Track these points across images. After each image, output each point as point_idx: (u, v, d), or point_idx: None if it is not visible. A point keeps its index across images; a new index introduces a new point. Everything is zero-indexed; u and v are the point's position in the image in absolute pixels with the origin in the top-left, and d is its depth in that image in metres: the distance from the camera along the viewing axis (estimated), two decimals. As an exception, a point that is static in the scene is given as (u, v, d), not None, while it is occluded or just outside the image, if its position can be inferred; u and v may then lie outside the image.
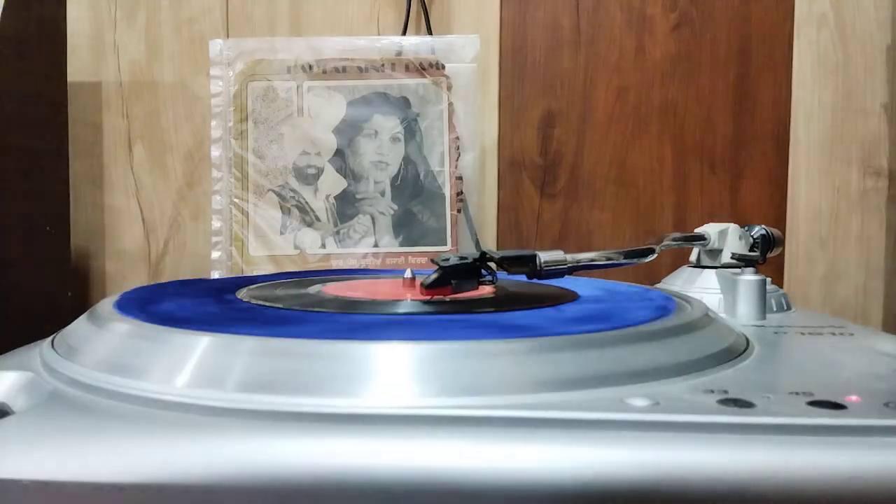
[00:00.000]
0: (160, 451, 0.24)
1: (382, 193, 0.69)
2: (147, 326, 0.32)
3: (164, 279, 0.83)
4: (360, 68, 0.69)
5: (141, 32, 0.81)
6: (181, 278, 0.81)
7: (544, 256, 0.41)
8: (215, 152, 0.70)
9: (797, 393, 0.28)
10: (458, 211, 0.69)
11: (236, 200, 0.68)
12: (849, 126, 0.79)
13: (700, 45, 0.80)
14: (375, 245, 0.68)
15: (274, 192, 0.68)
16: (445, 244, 0.69)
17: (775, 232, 0.56)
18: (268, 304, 0.40)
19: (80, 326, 0.36)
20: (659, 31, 0.80)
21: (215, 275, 0.68)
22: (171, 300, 0.42)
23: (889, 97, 0.79)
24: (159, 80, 0.82)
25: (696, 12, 0.80)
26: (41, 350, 0.35)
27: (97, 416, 0.26)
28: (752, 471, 0.23)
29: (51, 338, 0.37)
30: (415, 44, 0.72)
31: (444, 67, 0.70)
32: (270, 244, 0.68)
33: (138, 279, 0.83)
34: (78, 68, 0.80)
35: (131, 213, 0.82)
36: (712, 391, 0.28)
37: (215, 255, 0.69)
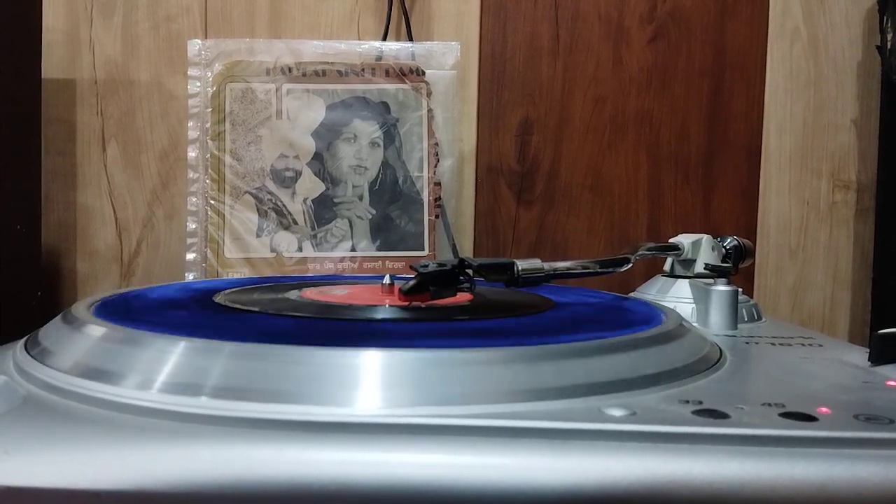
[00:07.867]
0: (137, 457, 0.24)
1: (360, 198, 0.69)
2: (123, 330, 0.32)
3: (136, 280, 0.82)
4: (339, 72, 0.69)
5: (117, 30, 0.80)
6: (154, 280, 0.80)
7: (522, 264, 0.42)
8: (191, 153, 0.69)
9: (769, 404, 0.29)
10: (436, 216, 0.70)
11: (212, 202, 0.67)
12: (819, 139, 0.81)
13: (676, 57, 0.81)
14: (353, 249, 0.68)
15: (251, 194, 0.68)
16: (423, 249, 0.69)
17: (747, 243, 0.57)
18: (245, 308, 0.40)
19: (54, 329, 0.35)
20: (636, 42, 0.81)
21: (190, 277, 0.68)
22: (147, 303, 0.41)
23: (859, 112, 0.80)
24: (135, 78, 0.81)
25: (673, 25, 0.81)
26: (14, 353, 0.34)
27: (73, 422, 0.26)
28: (726, 481, 0.23)
29: (23, 340, 0.36)
30: (395, 49, 0.72)
31: (423, 73, 0.70)
32: (246, 247, 0.67)
33: (110, 280, 0.82)
34: (52, 65, 0.79)
35: (104, 213, 0.81)
36: (687, 402, 0.29)
37: (190, 256, 0.68)
